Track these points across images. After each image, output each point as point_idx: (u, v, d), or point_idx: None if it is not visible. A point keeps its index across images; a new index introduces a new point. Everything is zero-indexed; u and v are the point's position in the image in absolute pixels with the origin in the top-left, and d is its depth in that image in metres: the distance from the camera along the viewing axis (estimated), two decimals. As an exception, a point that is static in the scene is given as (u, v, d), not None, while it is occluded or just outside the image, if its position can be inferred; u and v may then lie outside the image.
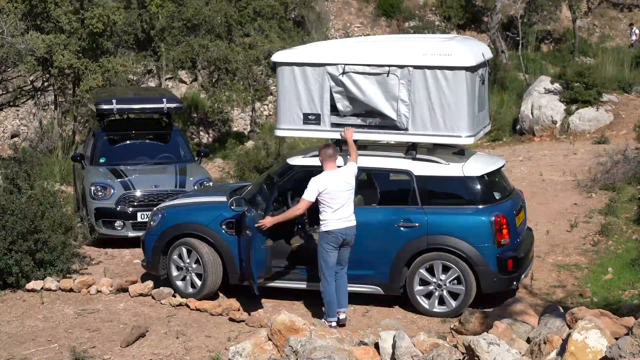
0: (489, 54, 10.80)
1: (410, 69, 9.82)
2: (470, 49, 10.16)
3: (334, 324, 9.53)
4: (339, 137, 10.19)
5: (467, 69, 9.74)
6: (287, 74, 10.33)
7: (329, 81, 10.09)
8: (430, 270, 9.95)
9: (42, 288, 11.01)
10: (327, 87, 10.11)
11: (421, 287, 10.03)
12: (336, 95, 10.10)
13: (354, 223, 9.56)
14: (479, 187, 10.01)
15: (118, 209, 13.34)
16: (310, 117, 10.28)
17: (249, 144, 21.47)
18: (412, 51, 9.99)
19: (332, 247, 9.48)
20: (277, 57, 10.55)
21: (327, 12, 29.87)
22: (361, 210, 10.26)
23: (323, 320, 9.55)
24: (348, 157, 9.84)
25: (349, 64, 10.03)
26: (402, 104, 9.90)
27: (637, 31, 29.36)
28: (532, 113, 21.68)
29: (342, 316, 9.71)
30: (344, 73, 10.03)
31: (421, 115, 9.92)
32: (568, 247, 12.64)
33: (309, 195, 9.44)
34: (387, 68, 9.88)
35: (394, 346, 7.30)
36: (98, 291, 11.01)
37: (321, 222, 9.48)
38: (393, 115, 9.95)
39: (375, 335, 7.80)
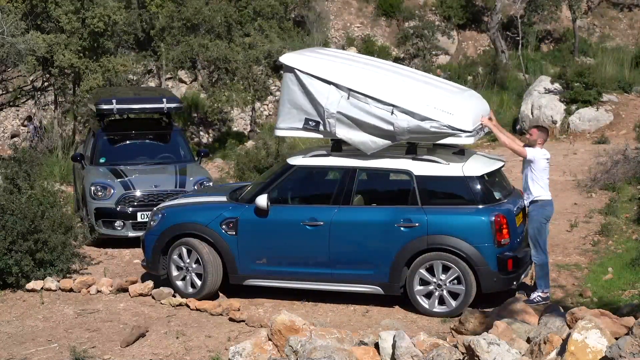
0: (488, 116, 10.88)
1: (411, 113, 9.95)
2: (473, 112, 10.19)
3: (548, 294, 10.12)
4: (339, 137, 10.26)
5: (464, 131, 9.89)
6: (293, 78, 10.35)
7: (332, 98, 10.13)
8: (430, 270, 9.95)
9: (42, 288, 11.01)
10: (328, 101, 10.13)
11: (421, 287, 10.03)
12: (335, 112, 10.14)
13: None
14: (479, 187, 10.01)
15: (118, 209, 13.35)
16: (310, 122, 10.32)
17: (249, 144, 21.46)
18: (418, 98, 10.03)
19: (545, 220, 10.10)
20: (285, 59, 10.54)
21: (327, 12, 29.82)
22: (361, 210, 10.29)
23: (537, 294, 10.05)
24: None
25: (355, 91, 10.10)
26: (399, 133, 9.99)
27: None
28: (532, 113, 21.66)
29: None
30: (348, 97, 10.09)
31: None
32: (568, 247, 12.64)
33: (529, 150, 10.03)
34: (390, 107, 9.97)
35: (394, 346, 7.30)
36: (98, 291, 11.02)
37: (537, 195, 10.02)
38: (389, 132, 10.02)
39: (375, 335, 7.80)
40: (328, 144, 10.91)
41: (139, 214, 13.29)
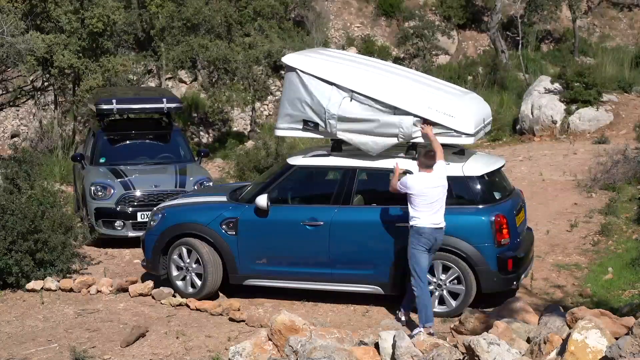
0: (489, 118, 10.90)
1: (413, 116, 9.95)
2: (474, 115, 10.19)
3: (432, 330, 9.10)
4: (340, 138, 10.26)
5: (465, 134, 9.90)
6: (294, 78, 10.35)
7: (333, 99, 10.13)
8: (430, 270, 9.94)
9: (42, 288, 11.01)
10: (330, 102, 10.13)
11: (421, 287, 10.01)
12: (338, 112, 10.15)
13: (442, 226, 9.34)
14: (479, 187, 10.01)
15: (118, 209, 13.35)
16: (310, 123, 10.32)
17: (249, 144, 21.45)
18: (419, 100, 10.02)
19: (423, 248, 9.28)
20: (287, 59, 10.54)
21: (327, 12, 29.82)
22: (361, 210, 10.29)
23: (418, 329, 9.05)
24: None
25: (357, 92, 10.09)
26: (402, 134, 10.00)
27: None
28: (532, 113, 21.66)
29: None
30: (351, 99, 10.08)
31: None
32: (568, 247, 12.64)
33: (400, 184, 9.30)
34: (392, 109, 9.96)
35: (394, 346, 7.30)
36: (98, 291, 11.02)
37: (411, 220, 9.30)
38: (394, 133, 10.01)
39: (375, 335, 7.80)
40: (328, 144, 10.91)
41: (139, 214, 13.30)
